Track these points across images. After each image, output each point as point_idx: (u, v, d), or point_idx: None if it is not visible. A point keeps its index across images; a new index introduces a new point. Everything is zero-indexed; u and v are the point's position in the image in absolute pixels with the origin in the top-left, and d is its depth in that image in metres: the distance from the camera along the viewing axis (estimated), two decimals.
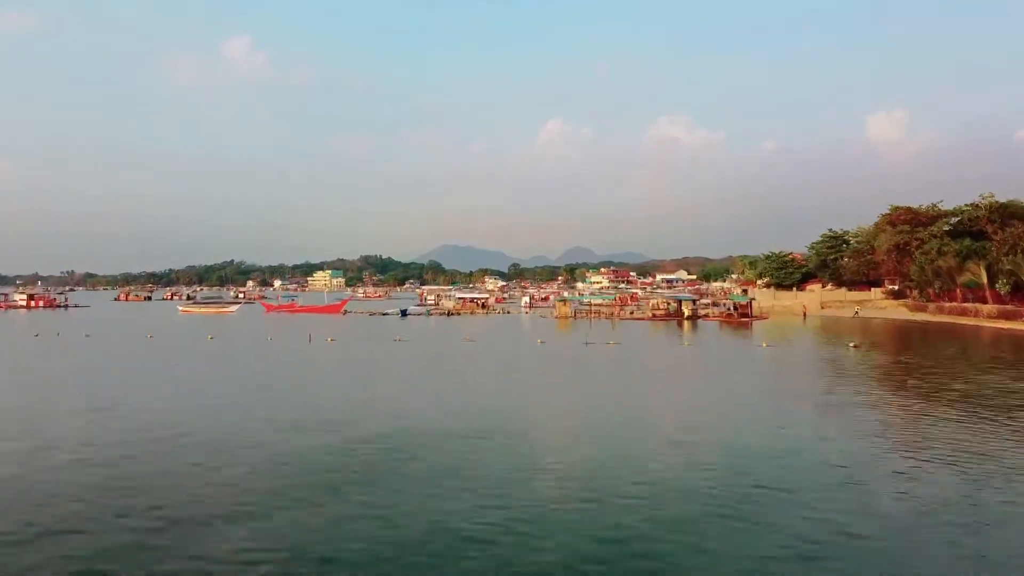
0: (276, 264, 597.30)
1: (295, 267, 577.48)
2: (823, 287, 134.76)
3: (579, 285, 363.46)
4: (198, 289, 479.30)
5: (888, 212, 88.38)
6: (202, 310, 77.48)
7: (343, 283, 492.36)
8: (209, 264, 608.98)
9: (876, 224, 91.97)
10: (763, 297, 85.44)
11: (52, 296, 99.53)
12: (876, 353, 34.06)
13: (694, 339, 42.72)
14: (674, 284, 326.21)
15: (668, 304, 64.94)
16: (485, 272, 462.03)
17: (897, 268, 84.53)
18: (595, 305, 68.08)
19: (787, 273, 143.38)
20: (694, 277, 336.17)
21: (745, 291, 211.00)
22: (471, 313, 75.64)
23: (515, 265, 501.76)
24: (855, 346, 34.46)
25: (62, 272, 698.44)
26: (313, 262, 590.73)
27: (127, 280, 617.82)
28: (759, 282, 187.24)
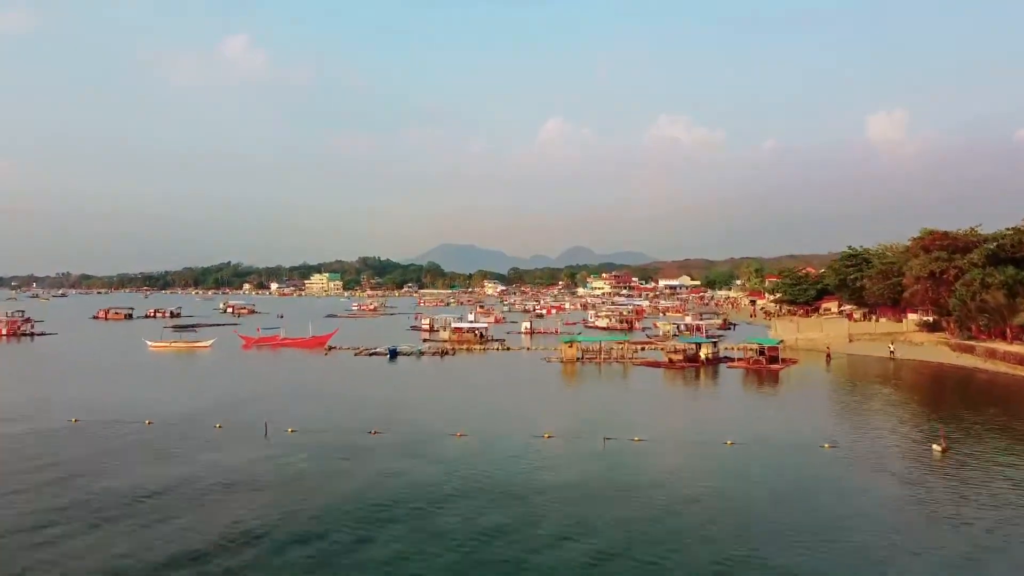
0: (274, 266, 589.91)
1: (293, 269, 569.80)
2: (840, 306, 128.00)
3: (580, 290, 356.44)
4: (193, 292, 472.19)
5: (920, 236, 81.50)
6: (174, 346, 70.56)
7: (340, 286, 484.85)
8: (206, 266, 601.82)
9: (908, 248, 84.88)
10: (785, 330, 78.41)
11: (18, 321, 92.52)
12: (971, 460, 27.09)
13: (726, 415, 35.91)
14: (677, 290, 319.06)
15: (686, 348, 57.94)
16: (484, 276, 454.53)
17: (931, 297, 77.57)
18: (604, 346, 61.06)
19: (802, 290, 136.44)
20: (697, 283, 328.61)
21: (753, 302, 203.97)
22: (467, 350, 68.83)
23: (515, 269, 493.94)
24: (944, 450, 27.51)
25: (57, 274, 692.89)
26: (311, 264, 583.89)
27: (123, 282, 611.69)
28: (768, 295, 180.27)
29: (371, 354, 64.69)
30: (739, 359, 58.68)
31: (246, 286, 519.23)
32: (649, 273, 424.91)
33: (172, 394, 41.65)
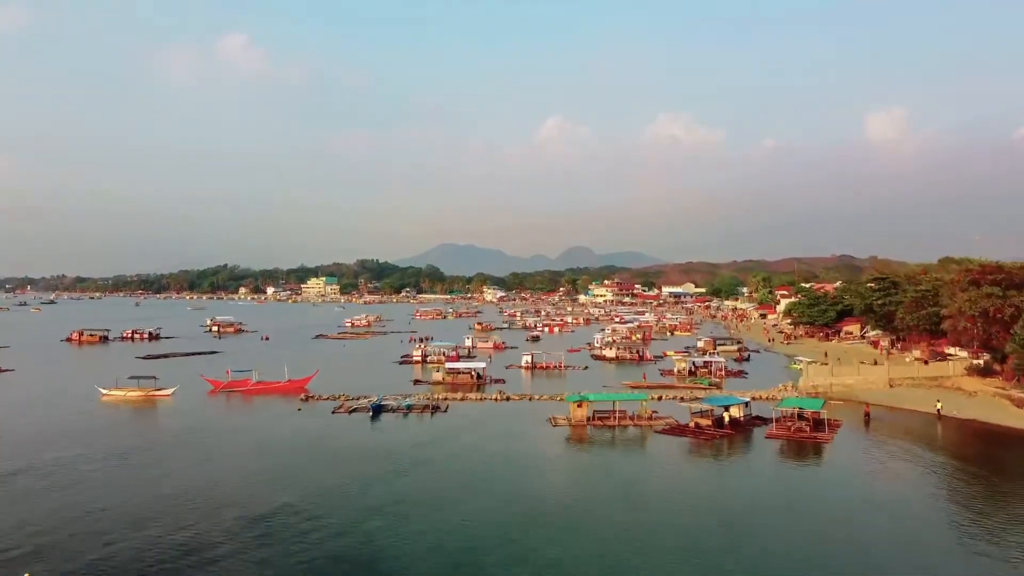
0: (271, 268, 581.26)
1: (290, 271, 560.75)
2: (862, 329, 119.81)
3: (582, 298, 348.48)
4: (188, 297, 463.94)
5: (967, 267, 73.37)
6: (130, 396, 62.55)
7: (337, 290, 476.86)
8: (202, 269, 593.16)
9: (953, 280, 76.51)
10: (817, 374, 70.02)
11: None
12: None
13: (787, 540, 27.84)
14: (681, 299, 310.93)
15: (714, 410, 49.70)
16: (484, 282, 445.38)
17: (981, 336, 69.53)
18: (618, 406, 52.88)
19: (820, 311, 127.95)
20: (703, 291, 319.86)
21: (764, 316, 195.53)
22: (462, 398, 60.89)
23: (515, 274, 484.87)
24: None
25: (52, 276, 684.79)
26: (309, 266, 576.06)
27: (118, 285, 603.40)
28: (780, 312, 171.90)
29: (352, 411, 56.33)
30: (777, 422, 50.29)
31: (242, 290, 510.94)
32: (651, 277, 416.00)
33: (87, 501, 33.28)
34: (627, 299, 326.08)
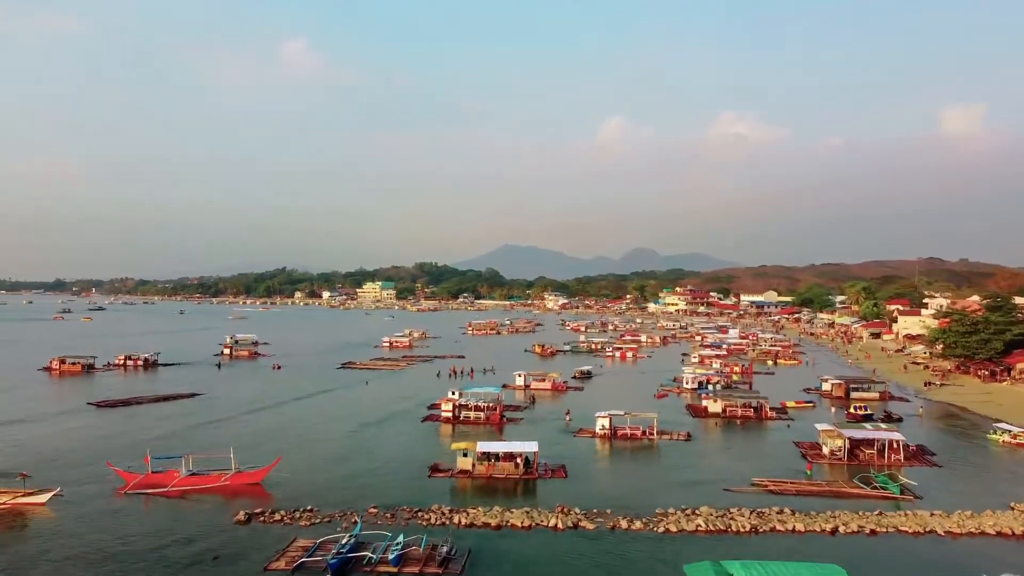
0: (329, 271, 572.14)
1: (347, 275, 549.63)
2: None
3: (651, 307, 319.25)
4: (242, 302, 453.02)
5: None
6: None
7: (393, 295, 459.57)
8: (260, 272, 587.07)
9: None
10: None
11: None
12: None
13: None
14: (765, 310, 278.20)
15: None
16: (545, 288, 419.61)
17: None
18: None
19: (982, 340, 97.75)
20: (788, 300, 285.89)
21: (878, 335, 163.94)
22: (497, 525, 36.17)
23: (578, 279, 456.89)
24: None
25: (116, 279, 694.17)
26: (368, 269, 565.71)
27: (176, 289, 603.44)
28: (896, 327, 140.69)
29: (296, 568, 31.94)
30: None
31: (298, 294, 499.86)
32: (723, 282, 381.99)
33: None
34: (701, 309, 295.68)
